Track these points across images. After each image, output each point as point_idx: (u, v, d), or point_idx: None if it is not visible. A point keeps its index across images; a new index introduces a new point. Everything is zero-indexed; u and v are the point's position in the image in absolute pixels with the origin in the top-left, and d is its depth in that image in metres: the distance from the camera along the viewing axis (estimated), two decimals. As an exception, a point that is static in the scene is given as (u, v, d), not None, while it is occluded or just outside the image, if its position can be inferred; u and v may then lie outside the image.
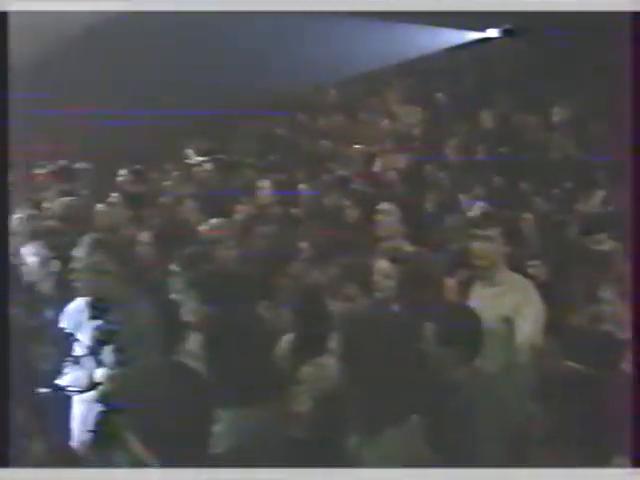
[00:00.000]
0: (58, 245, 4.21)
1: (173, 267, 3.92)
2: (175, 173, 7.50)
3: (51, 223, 4.77)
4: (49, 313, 4.04)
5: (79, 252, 3.81)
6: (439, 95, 9.20)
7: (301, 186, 7.04)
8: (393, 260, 4.14)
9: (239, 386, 3.19)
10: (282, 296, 4.16)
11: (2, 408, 3.09)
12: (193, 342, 3.46)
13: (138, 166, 6.45)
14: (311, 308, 3.83)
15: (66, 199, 5.21)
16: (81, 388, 3.71)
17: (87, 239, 3.83)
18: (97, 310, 3.68)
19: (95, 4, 7.63)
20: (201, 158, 7.78)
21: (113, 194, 5.13)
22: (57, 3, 7.22)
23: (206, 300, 3.59)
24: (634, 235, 2.85)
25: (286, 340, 3.80)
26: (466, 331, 3.03)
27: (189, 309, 3.62)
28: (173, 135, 8.39)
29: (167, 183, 6.88)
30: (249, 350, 3.33)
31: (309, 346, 3.60)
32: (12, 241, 4.74)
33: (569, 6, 8.24)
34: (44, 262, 4.16)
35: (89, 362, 3.69)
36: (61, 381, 3.69)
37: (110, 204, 5.11)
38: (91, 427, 3.66)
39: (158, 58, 8.94)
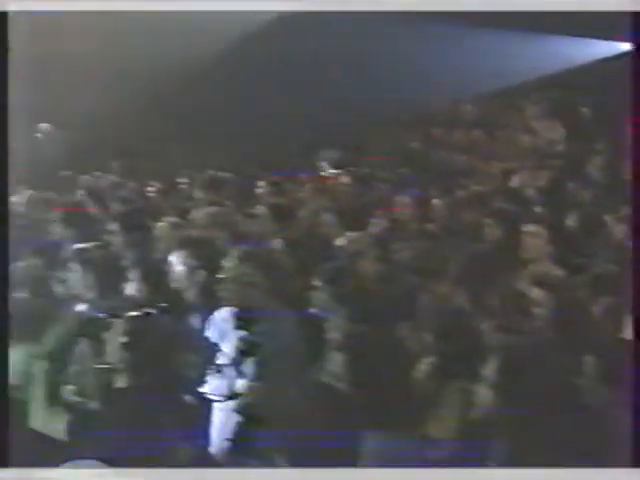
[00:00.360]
0: (204, 254, 4.29)
1: (315, 282, 3.92)
2: (310, 185, 7.55)
3: (197, 232, 4.88)
4: (194, 321, 4.12)
5: (227, 262, 3.88)
6: (584, 109, 8.82)
7: (435, 201, 6.91)
8: (540, 284, 3.97)
9: (380, 408, 3.14)
10: (423, 316, 4.08)
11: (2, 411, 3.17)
12: (335, 361, 3.43)
13: (276, 177, 6.54)
14: (454, 331, 3.72)
15: (212, 209, 5.33)
16: (222, 397, 3.77)
17: (235, 250, 3.90)
18: (242, 321, 3.73)
19: (93, 4, 7.71)
20: (335, 170, 7.79)
21: (258, 206, 5.19)
22: (57, 3, 7.39)
23: (351, 318, 3.56)
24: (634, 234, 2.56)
25: (426, 363, 3.71)
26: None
27: (334, 326, 3.60)
28: (308, 146, 8.47)
29: (302, 195, 6.93)
30: (390, 372, 3.29)
31: (452, 370, 3.50)
32: (158, 247, 4.91)
33: (569, 6, 7.77)
34: (190, 271, 4.24)
35: (231, 372, 3.75)
36: (203, 389, 3.77)
37: (255, 216, 5.17)
38: (229, 436, 3.73)
39: (298, 69, 9.06)
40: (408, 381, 3.31)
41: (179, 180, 6.58)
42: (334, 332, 3.61)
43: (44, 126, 8.21)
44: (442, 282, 4.60)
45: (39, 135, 8.16)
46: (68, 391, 3.72)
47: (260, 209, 5.15)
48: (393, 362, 3.34)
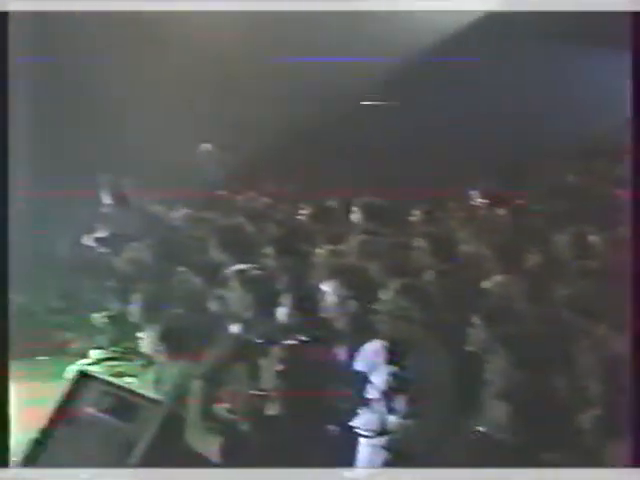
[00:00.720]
0: (356, 284, 4.21)
1: (474, 319, 3.78)
2: (459, 214, 7.35)
3: (349, 261, 4.82)
4: (343, 352, 4.06)
5: (384, 295, 3.81)
6: None
7: (591, 238, 6.56)
8: None
9: (544, 464, 2.96)
10: (584, 362, 3.84)
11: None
12: (495, 409, 3.27)
13: (428, 206, 6.41)
14: (620, 381, 3.47)
15: (366, 237, 5.25)
16: (371, 432, 3.70)
17: (394, 283, 3.82)
18: (394, 355, 3.66)
19: (93, 4, 7.60)
20: (486, 201, 7.56)
21: (417, 238, 5.08)
22: (56, 3, 7.37)
23: (512, 361, 3.40)
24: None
25: (590, 415, 3.48)
26: None
27: (493, 368, 3.45)
28: (461, 174, 8.28)
29: (454, 224, 6.75)
30: (554, 423, 3.10)
31: (621, 426, 3.25)
32: (314, 273, 4.89)
33: (569, 6, 6.95)
34: (341, 300, 4.16)
35: (381, 407, 3.67)
36: (354, 423, 3.70)
37: (412, 247, 5.06)
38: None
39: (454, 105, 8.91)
40: (574, 435, 3.09)
41: (331, 204, 6.57)
42: (493, 375, 3.46)
43: (205, 146, 8.44)
44: (601, 325, 4.32)
45: (201, 155, 8.40)
46: (222, 410, 3.77)
47: (419, 241, 5.00)
48: (556, 412, 3.14)
